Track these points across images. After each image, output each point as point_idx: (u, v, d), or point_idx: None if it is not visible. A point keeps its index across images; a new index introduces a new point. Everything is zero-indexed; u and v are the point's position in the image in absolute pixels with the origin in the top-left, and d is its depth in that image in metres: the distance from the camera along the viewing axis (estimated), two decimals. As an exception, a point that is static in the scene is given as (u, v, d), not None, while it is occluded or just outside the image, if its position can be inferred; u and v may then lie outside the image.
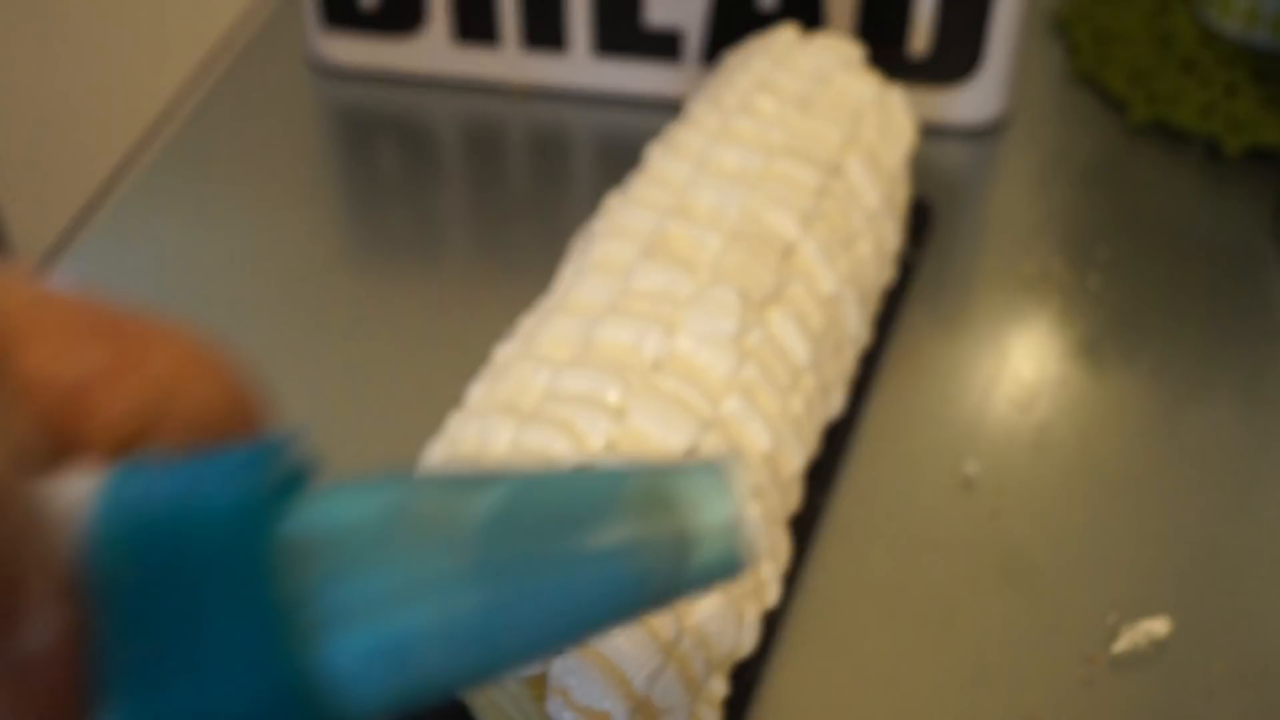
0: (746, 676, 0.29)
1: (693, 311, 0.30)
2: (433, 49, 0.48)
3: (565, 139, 0.48)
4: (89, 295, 0.16)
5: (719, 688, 0.27)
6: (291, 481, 0.14)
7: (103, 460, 0.14)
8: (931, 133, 0.46)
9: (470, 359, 0.35)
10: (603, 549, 0.14)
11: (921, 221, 0.42)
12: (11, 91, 0.86)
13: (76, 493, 0.13)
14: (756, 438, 0.29)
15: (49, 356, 0.14)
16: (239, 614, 0.13)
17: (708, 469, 0.14)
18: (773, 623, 0.31)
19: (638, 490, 0.14)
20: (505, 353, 0.31)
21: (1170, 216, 0.44)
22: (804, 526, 0.33)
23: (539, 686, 0.26)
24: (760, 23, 0.45)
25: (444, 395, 0.34)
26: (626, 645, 0.25)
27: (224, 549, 0.13)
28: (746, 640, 0.28)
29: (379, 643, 0.13)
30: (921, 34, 0.45)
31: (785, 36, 0.40)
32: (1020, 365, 0.39)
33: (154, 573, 0.13)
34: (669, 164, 0.35)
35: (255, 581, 0.13)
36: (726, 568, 0.14)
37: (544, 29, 0.47)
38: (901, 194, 0.38)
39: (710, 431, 0.28)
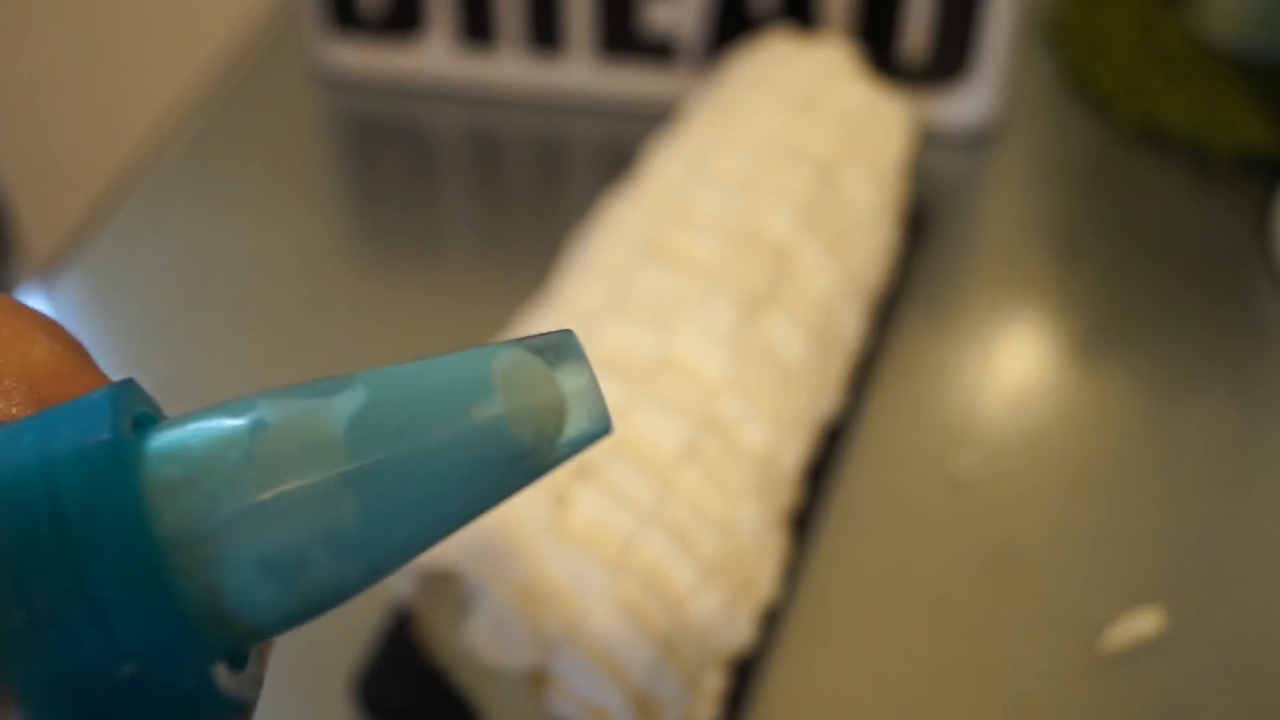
0: (746, 671, 0.30)
1: (690, 313, 0.30)
2: (434, 53, 0.49)
3: (564, 142, 0.49)
4: None
5: (715, 681, 0.28)
6: (144, 419, 0.14)
7: None
8: (925, 136, 0.46)
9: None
10: (479, 427, 0.14)
11: (916, 224, 0.43)
12: (15, 99, 0.86)
13: None
14: (754, 437, 0.29)
15: None
16: (121, 554, 0.12)
17: (559, 339, 0.14)
18: (771, 618, 0.31)
19: (505, 365, 0.14)
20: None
21: (1159, 219, 0.44)
22: (802, 524, 0.33)
23: (539, 680, 0.26)
24: (757, 26, 0.45)
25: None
26: (625, 640, 0.25)
27: (93, 491, 0.13)
28: (743, 635, 0.28)
29: (264, 557, 0.13)
30: (916, 38, 0.45)
31: (782, 40, 0.41)
32: (1013, 365, 0.39)
33: (27, 527, 0.12)
34: (666, 166, 0.35)
35: (130, 518, 0.13)
36: (597, 429, 0.14)
37: (545, 32, 0.47)
38: (897, 196, 0.39)
39: (707, 431, 0.28)
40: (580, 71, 0.48)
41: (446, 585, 0.27)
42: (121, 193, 0.46)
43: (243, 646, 0.14)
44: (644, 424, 0.28)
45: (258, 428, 0.13)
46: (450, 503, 0.14)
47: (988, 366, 0.39)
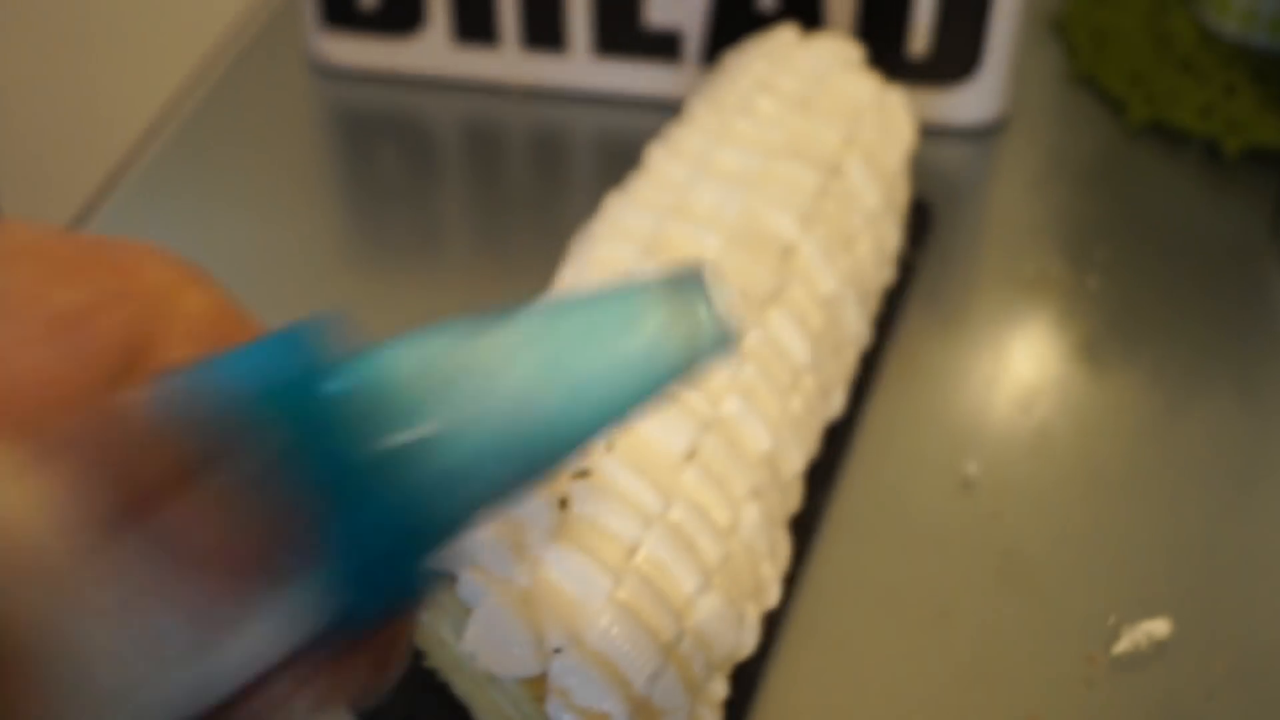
0: (746, 676, 0.29)
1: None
2: (432, 49, 0.48)
3: (565, 139, 0.48)
4: (57, 232, 0.16)
5: (719, 688, 0.27)
6: (331, 350, 0.16)
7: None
8: (931, 133, 0.46)
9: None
10: (642, 344, 0.16)
11: (921, 222, 0.42)
12: (9, 91, 0.86)
13: (145, 397, 0.15)
14: (756, 438, 0.29)
15: (52, 288, 0.15)
16: (333, 460, 0.15)
17: (694, 271, 0.17)
18: (773, 623, 0.31)
19: (659, 292, 0.16)
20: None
21: (1169, 217, 0.44)
22: (804, 526, 0.33)
23: (539, 687, 0.26)
24: (760, 23, 0.45)
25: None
26: (627, 646, 0.25)
27: (305, 413, 0.15)
28: (747, 641, 0.28)
29: (449, 468, 0.15)
30: (921, 35, 0.45)
31: (785, 37, 0.40)
32: (1020, 365, 0.39)
33: (258, 437, 0.14)
34: (669, 164, 0.35)
35: (341, 433, 0.15)
36: (730, 339, 0.17)
37: (544, 29, 0.47)
38: (901, 194, 0.38)
39: (710, 432, 0.28)
40: (582, 68, 0.48)
41: (445, 589, 0.27)
42: (114, 184, 0.45)
43: (445, 536, 0.16)
44: (645, 423, 0.27)
45: (441, 356, 0.16)
46: (605, 414, 0.16)
47: (994, 365, 0.39)
